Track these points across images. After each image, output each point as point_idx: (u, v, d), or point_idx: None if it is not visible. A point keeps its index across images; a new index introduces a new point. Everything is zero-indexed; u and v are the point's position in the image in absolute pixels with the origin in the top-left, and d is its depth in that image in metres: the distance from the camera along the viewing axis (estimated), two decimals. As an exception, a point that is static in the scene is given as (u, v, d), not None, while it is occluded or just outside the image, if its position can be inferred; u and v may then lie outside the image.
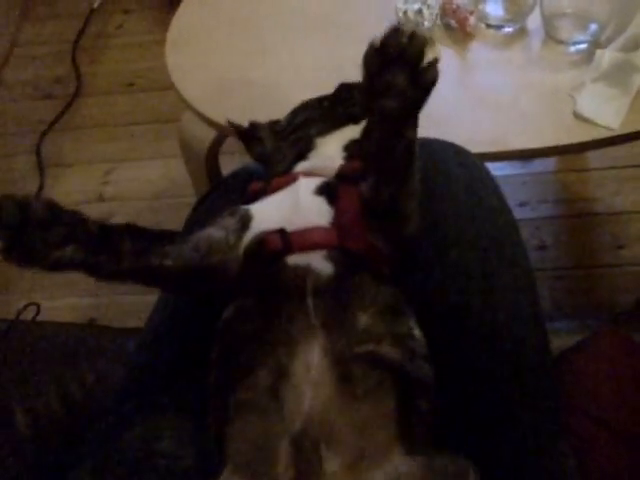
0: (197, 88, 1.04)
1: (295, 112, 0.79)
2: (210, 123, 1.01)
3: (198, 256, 0.57)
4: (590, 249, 1.47)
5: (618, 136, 0.89)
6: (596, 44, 0.98)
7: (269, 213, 0.62)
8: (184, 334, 0.66)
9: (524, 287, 0.67)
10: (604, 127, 0.90)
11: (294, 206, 0.61)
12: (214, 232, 0.60)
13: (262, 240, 0.58)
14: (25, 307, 0.87)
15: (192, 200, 1.58)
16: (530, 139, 0.91)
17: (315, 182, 0.64)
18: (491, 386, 0.61)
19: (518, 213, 1.52)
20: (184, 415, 0.59)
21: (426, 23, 1.02)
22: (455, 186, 0.71)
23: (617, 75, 0.92)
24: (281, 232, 0.57)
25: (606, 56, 0.93)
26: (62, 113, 1.93)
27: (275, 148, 0.75)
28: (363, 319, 0.52)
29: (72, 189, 1.77)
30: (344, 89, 0.80)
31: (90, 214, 1.79)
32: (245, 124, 0.96)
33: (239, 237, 0.60)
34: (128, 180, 1.77)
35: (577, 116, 0.91)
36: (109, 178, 1.78)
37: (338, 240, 0.57)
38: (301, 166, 0.71)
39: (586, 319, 0.86)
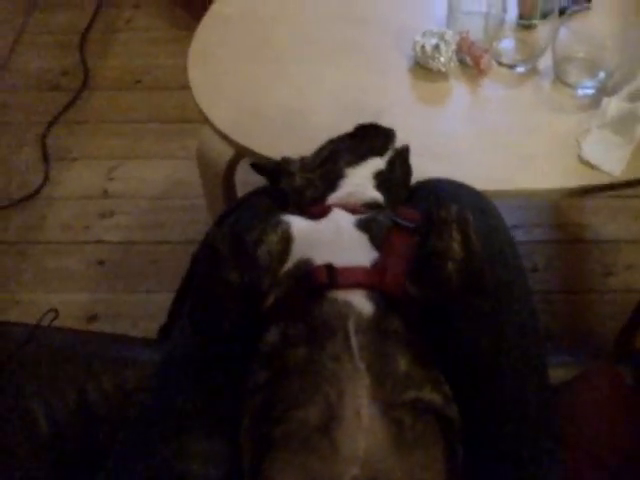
0: (219, 107, 1.07)
1: (321, 148, 0.83)
2: (229, 142, 1.04)
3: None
4: (580, 275, 1.53)
5: (620, 183, 0.94)
6: (603, 90, 1.02)
7: (311, 240, 0.66)
8: (212, 356, 0.69)
9: (530, 329, 0.71)
10: (606, 173, 0.95)
11: (336, 238, 0.66)
12: (259, 250, 0.64)
13: (309, 271, 0.62)
14: (46, 313, 0.90)
15: (196, 202, 1.63)
16: (537, 180, 0.96)
17: (353, 216, 0.69)
18: (497, 423, 0.65)
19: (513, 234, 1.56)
20: (213, 437, 0.63)
21: (442, 59, 1.07)
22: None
23: (621, 124, 0.97)
24: (328, 267, 0.61)
25: (612, 105, 0.98)
26: (68, 106, 1.95)
27: (306, 180, 0.79)
28: (403, 364, 0.56)
29: (76, 183, 1.79)
30: (364, 127, 0.85)
31: (93, 210, 1.84)
32: (263, 145, 1.01)
33: (280, 260, 0.65)
34: (133, 178, 1.80)
35: (582, 161, 0.96)
36: (114, 175, 1.81)
37: (379, 282, 0.61)
38: (334, 196, 0.76)
39: (579, 354, 0.91)
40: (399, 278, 0.62)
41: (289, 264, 0.65)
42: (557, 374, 0.83)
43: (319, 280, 0.61)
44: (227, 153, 1.07)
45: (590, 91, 1.04)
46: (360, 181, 0.78)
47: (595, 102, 1.01)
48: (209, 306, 0.63)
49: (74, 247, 1.66)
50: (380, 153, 0.81)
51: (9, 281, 1.60)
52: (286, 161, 0.83)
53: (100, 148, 1.86)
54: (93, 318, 1.53)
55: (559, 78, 1.06)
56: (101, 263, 1.62)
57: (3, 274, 1.61)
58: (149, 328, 1.44)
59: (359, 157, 0.80)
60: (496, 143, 1.01)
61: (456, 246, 0.59)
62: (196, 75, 1.13)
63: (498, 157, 0.99)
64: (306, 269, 0.63)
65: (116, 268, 1.62)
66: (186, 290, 0.91)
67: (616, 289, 1.49)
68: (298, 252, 0.66)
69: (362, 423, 0.52)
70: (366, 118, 1.04)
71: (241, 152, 1.05)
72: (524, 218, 1.62)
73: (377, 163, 0.80)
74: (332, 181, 0.78)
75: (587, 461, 0.72)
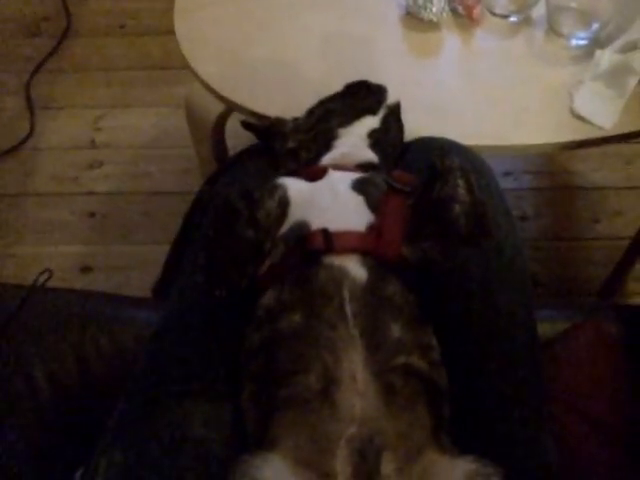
0: (206, 60, 1.05)
1: (312, 109, 0.83)
2: (218, 97, 1.03)
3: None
4: (568, 222, 1.55)
5: (612, 136, 0.94)
6: (596, 42, 1.01)
7: (307, 202, 0.67)
8: (210, 319, 0.70)
9: (520, 289, 0.73)
10: (598, 127, 0.95)
11: (332, 200, 0.67)
12: (258, 214, 0.65)
13: (305, 236, 0.63)
14: (41, 273, 0.91)
15: (184, 152, 1.62)
16: (529, 135, 0.95)
17: (349, 177, 0.70)
18: (486, 382, 0.68)
19: (502, 183, 1.57)
20: (213, 401, 0.65)
21: (434, 8, 1.04)
22: None
23: (614, 76, 0.96)
24: (324, 232, 0.62)
25: (605, 56, 0.97)
26: (51, 53, 1.90)
27: (299, 141, 0.79)
28: (395, 330, 0.58)
29: (63, 134, 1.78)
30: (354, 85, 0.84)
31: (81, 161, 1.83)
32: (252, 99, 1.00)
33: (278, 224, 0.66)
34: (120, 127, 1.78)
35: (574, 114, 0.96)
36: (101, 124, 1.79)
37: (375, 246, 0.62)
38: (328, 157, 0.76)
39: (565, 309, 0.93)
40: (395, 241, 0.63)
41: (285, 227, 0.66)
42: (543, 329, 0.85)
43: (315, 245, 0.62)
44: (216, 107, 1.06)
45: (583, 42, 1.03)
46: (354, 141, 0.78)
47: (588, 54, 1.00)
48: (227, 262, 0.64)
49: (64, 199, 1.65)
50: (373, 111, 0.81)
51: (1, 233, 1.59)
52: (279, 122, 0.83)
53: (85, 97, 1.84)
54: (86, 270, 1.53)
55: (552, 29, 1.04)
56: (92, 215, 1.62)
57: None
58: (143, 280, 1.46)
59: (352, 117, 0.80)
60: (488, 96, 1.00)
61: (462, 191, 0.62)
62: (182, 27, 1.10)
63: (490, 111, 0.98)
64: (302, 233, 0.64)
65: (107, 219, 1.62)
66: (179, 247, 0.91)
67: (604, 236, 1.51)
68: (295, 215, 0.66)
69: (357, 387, 0.55)
70: (356, 70, 1.04)
71: (230, 106, 1.04)
72: (513, 165, 1.62)
73: (370, 122, 0.80)
74: (325, 142, 0.78)
75: (572, 413, 0.75)
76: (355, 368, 0.55)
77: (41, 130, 1.77)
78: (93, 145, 1.75)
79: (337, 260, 0.61)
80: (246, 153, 0.87)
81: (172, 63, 1.82)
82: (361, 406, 0.54)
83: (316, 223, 0.64)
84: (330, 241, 0.62)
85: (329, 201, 0.67)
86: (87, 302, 0.91)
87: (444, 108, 0.99)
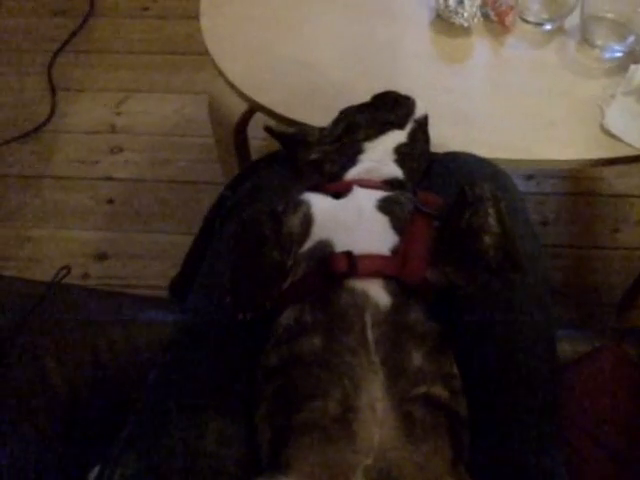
0: (231, 58, 1.04)
1: (338, 120, 0.81)
2: (242, 96, 1.02)
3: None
4: (589, 229, 1.53)
5: (641, 155, 0.93)
6: (631, 55, 0.99)
7: (331, 221, 0.66)
8: (227, 333, 0.70)
9: (543, 314, 0.72)
10: (629, 145, 0.93)
11: (357, 220, 0.66)
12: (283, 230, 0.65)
13: (328, 257, 0.62)
14: (60, 270, 0.91)
15: (205, 141, 1.61)
16: (555, 150, 0.94)
17: (374, 195, 0.68)
18: (502, 409, 0.67)
19: (524, 186, 1.57)
20: (226, 417, 0.64)
21: (466, 13, 1.02)
22: None
23: (648, 93, 0.94)
24: (348, 255, 0.61)
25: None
26: (74, 33, 1.89)
27: (324, 153, 0.78)
28: (417, 359, 0.58)
29: (84, 117, 1.77)
30: (382, 96, 0.83)
31: (101, 145, 1.83)
32: (276, 100, 0.98)
33: (300, 242, 0.65)
34: (141, 113, 1.77)
35: (603, 130, 0.94)
36: (121, 109, 1.78)
37: (399, 271, 0.61)
38: (353, 172, 0.75)
39: (588, 330, 0.92)
40: (420, 266, 0.62)
41: (308, 244, 0.65)
42: (563, 348, 0.85)
43: (339, 268, 0.61)
44: (239, 107, 1.05)
45: (617, 55, 1.00)
46: (380, 156, 0.77)
47: (622, 67, 0.98)
48: (252, 284, 0.64)
49: (83, 183, 1.65)
50: (400, 125, 0.79)
51: (19, 216, 1.60)
52: (304, 130, 0.82)
53: (107, 80, 1.83)
54: (103, 256, 1.54)
55: (586, 39, 1.02)
56: (110, 201, 1.62)
57: (13, 209, 1.61)
58: (160, 270, 1.47)
59: (378, 130, 0.78)
60: (516, 107, 0.98)
61: (493, 222, 0.60)
62: (208, 22, 1.09)
63: (517, 122, 0.97)
64: (325, 253, 0.63)
65: (125, 207, 1.61)
66: (198, 249, 0.91)
67: (625, 245, 1.49)
68: (318, 233, 0.66)
69: (376, 416, 0.54)
70: (382, 74, 1.02)
71: (253, 106, 1.03)
72: (536, 169, 1.60)
73: (397, 136, 0.79)
74: (351, 156, 0.77)
75: (588, 440, 0.74)
76: (375, 396, 0.55)
77: (62, 112, 1.77)
78: (113, 130, 1.74)
79: (360, 284, 0.61)
80: (269, 159, 0.86)
81: (195, 48, 1.81)
82: (379, 436, 0.54)
83: (340, 243, 0.64)
84: (354, 264, 0.61)
85: (354, 220, 0.66)
86: (105, 302, 0.91)
87: (470, 117, 0.98)
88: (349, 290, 0.60)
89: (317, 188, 0.73)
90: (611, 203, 1.55)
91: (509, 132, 0.96)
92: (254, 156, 1.18)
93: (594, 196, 1.57)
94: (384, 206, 0.67)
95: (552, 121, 0.97)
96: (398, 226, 0.65)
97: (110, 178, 1.66)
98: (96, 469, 0.73)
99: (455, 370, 0.62)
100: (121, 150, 1.71)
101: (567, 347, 0.87)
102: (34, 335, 0.86)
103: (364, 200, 0.68)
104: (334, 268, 0.61)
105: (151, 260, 1.52)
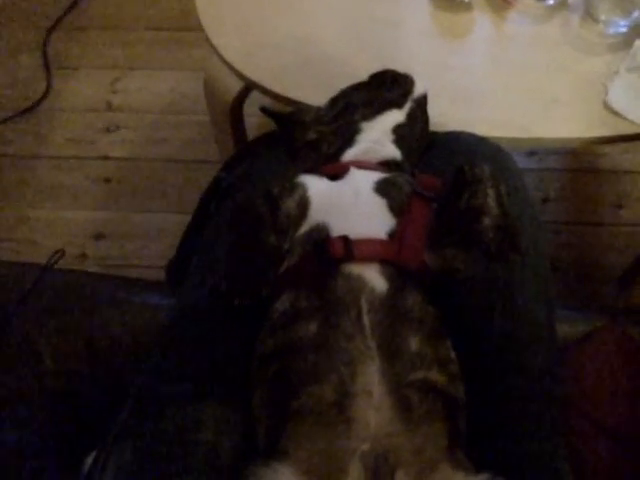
0: (227, 35, 1.02)
1: (335, 99, 0.80)
2: (237, 74, 1.00)
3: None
4: (591, 206, 1.51)
5: (646, 133, 0.91)
6: (635, 30, 0.97)
7: (328, 204, 0.65)
8: (223, 319, 0.69)
9: (543, 296, 0.71)
10: (631, 122, 0.91)
11: (354, 203, 0.65)
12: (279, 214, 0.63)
13: (324, 242, 0.61)
14: (54, 254, 0.90)
15: (201, 119, 1.59)
16: (557, 128, 0.92)
17: (372, 177, 0.67)
18: (503, 396, 0.66)
19: (526, 162, 1.55)
20: (222, 405, 0.64)
21: (466, -13, 1.00)
22: None
23: (652, 69, 0.92)
24: (345, 239, 0.60)
25: (644, 47, 0.93)
26: (69, 10, 1.86)
27: (320, 133, 0.76)
28: (413, 344, 0.57)
29: (79, 95, 1.75)
30: (380, 75, 0.81)
31: (98, 124, 1.79)
32: (272, 79, 0.96)
33: (296, 224, 0.64)
34: (137, 90, 1.75)
35: (607, 107, 0.92)
36: (117, 86, 1.75)
37: (396, 255, 0.60)
38: (350, 153, 0.73)
39: (588, 310, 0.91)
40: (417, 251, 0.61)
41: (304, 228, 0.64)
42: (563, 329, 0.83)
43: (335, 253, 0.60)
44: (235, 85, 1.03)
45: (621, 30, 0.98)
46: (377, 136, 0.75)
47: (626, 43, 0.96)
48: (249, 270, 0.62)
49: (80, 163, 1.64)
50: (398, 105, 0.77)
51: (15, 197, 1.58)
52: (300, 110, 0.80)
53: (103, 57, 1.80)
54: (100, 236, 1.53)
55: (589, 14, 1.00)
56: (107, 180, 1.60)
57: (9, 189, 1.60)
58: (157, 249, 1.45)
59: (376, 110, 0.76)
60: (517, 83, 0.96)
61: (492, 203, 0.60)
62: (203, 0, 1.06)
63: (518, 100, 0.95)
64: (321, 237, 0.62)
65: (122, 186, 1.60)
66: (194, 232, 0.90)
67: (627, 222, 1.48)
68: (314, 216, 0.64)
69: (373, 401, 0.54)
70: (381, 51, 1.00)
71: (249, 85, 1.01)
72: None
73: (395, 116, 0.77)
74: (348, 136, 0.75)
75: (588, 422, 0.74)
76: (371, 382, 0.54)
77: (57, 90, 1.74)
78: (109, 108, 1.72)
79: (356, 269, 0.60)
80: (265, 140, 0.84)
81: (191, 24, 1.77)
82: (376, 421, 0.53)
83: (336, 227, 0.62)
84: (350, 250, 0.60)
85: (350, 203, 0.65)
86: (99, 285, 0.90)
87: (471, 94, 0.96)
88: (345, 275, 0.59)
89: (313, 170, 0.71)
90: (614, 179, 1.53)
91: (510, 109, 0.94)
92: (250, 135, 1.16)
93: (597, 172, 1.55)
94: (381, 188, 0.66)
95: (554, 98, 0.95)
96: (396, 209, 0.64)
97: (106, 157, 1.64)
98: (93, 454, 0.73)
99: (452, 355, 0.61)
100: (117, 128, 1.68)
101: (567, 328, 0.86)
102: (28, 319, 0.86)
103: (361, 182, 0.67)
104: (330, 253, 0.60)
105: (148, 240, 1.51)
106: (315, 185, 0.67)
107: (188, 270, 0.79)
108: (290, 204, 0.65)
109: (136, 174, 1.61)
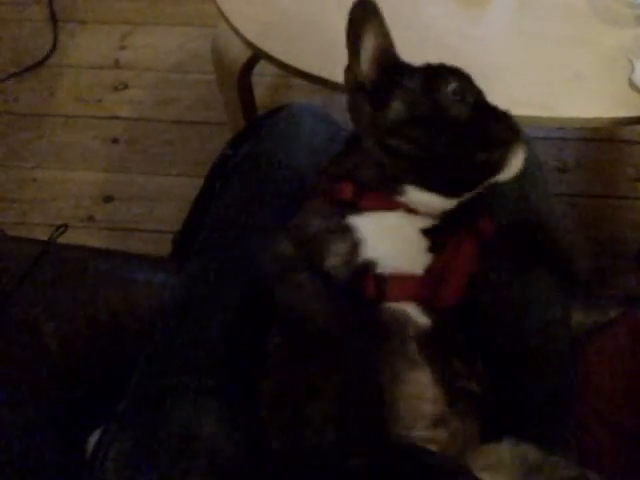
0: (236, 1, 0.97)
1: None
2: (245, 41, 0.96)
3: None
4: (609, 178, 1.47)
5: (670, 115, 0.86)
6: (667, 2, 0.91)
7: (380, 245, 0.62)
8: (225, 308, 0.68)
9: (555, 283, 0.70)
10: (657, 102, 0.86)
11: (400, 242, 0.63)
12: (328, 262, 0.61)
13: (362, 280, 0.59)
14: (57, 228, 0.88)
15: (211, 78, 1.54)
16: (578, 107, 0.88)
17: (421, 223, 0.63)
18: (514, 375, 0.66)
19: (543, 131, 1.49)
20: (227, 401, 0.63)
21: (488, -47, 0.94)
22: None
23: (682, 45, 0.87)
24: (376, 279, 0.59)
25: (675, 21, 0.88)
26: (76, -41, 1.80)
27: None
28: (456, 363, 0.59)
29: (87, 51, 1.71)
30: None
31: (105, 81, 1.75)
32: (283, 48, 0.92)
33: (350, 262, 0.61)
34: (145, 47, 1.70)
35: (632, 86, 0.87)
36: (126, 42, 1.71)
37: (430, 295, 0.59)
38: (410, 195, 0.64)
39: (602, 299, 0.88)
40: (455, 290, 0.61)
41: (355, 264, 0.61)
42: (576, 318, 0.82)
43: (368, 292, 0.59)
44: (243, 53, 0.99)
45: (652, 1, 0.92)
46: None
47: (656, 15, 0.91)
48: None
49: (87, 122, 1.61)
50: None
51: (21, 156, 1.56)
52: None
53: (111, 11, 1.75)
54: (108, 199, 1.51)
55: (619, -18, 0.94)
56: (115, 141, 1.58)
57: (15, 149, 1.58)
58: (165, 213, 1.44)
59: None
60: (538, 57, 0.92)
61: None
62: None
63: (539, 75, 0.90)
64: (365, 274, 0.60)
65: (130, 147, 1.57)
66: (200, 208, 0.88)
67: (644, 197, 1.44)
68: (364, 254, 0.61)
69: (428, 395, 0.56)
70: (395, 18, 0.94)
71: (258, 53, 0.97)
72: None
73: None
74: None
75: (601, 423, 0.72)
76: (426, 381, 0.56)
77: (64, 46, 1.70)
78: (117, 65, 1.68)
79: (396, 305, 0.59)
80: (271, 118, 0.81)
81: (202, -23, 1.71)
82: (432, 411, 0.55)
83: (383, 264, 0.60)
84: (382, 291, 0.59)
85: (397, 242, 0.62)
86: (102, 261, 0.88)
87: (489, 67, 0.90)
88: (386, 308, 0.59)
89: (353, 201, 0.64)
90: (634, 151, 1.48)
91: (530, 86, 0.89)
92: (262, 96, 1.12)
93: (616, 142, 1.50)
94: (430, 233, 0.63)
95: (577, 74, 0.90)
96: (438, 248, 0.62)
97: (115, 116, 1.61)
98: (97, 432, 0.73)
99: (480, 367, 0.62)
100: (125, 87, 1.65)
101: (579, 317, 0.84)
102: (29, 298, 0.85)
103: (410, 227, 0.63)
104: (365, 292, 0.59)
105: (157, 202, 1.49)
106: (364, 227, 0.62)
107: (191, 250, 0.78)
108: (342, 249, 0.61)
109: (144, 135, 1.58)
